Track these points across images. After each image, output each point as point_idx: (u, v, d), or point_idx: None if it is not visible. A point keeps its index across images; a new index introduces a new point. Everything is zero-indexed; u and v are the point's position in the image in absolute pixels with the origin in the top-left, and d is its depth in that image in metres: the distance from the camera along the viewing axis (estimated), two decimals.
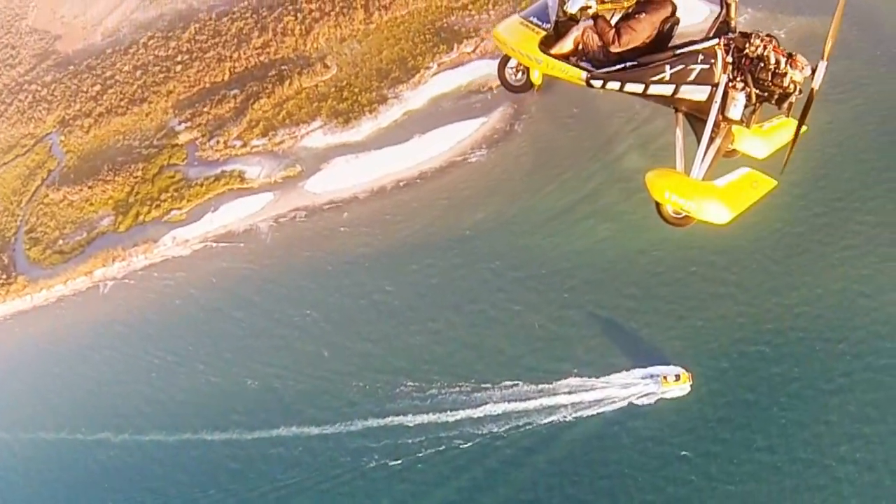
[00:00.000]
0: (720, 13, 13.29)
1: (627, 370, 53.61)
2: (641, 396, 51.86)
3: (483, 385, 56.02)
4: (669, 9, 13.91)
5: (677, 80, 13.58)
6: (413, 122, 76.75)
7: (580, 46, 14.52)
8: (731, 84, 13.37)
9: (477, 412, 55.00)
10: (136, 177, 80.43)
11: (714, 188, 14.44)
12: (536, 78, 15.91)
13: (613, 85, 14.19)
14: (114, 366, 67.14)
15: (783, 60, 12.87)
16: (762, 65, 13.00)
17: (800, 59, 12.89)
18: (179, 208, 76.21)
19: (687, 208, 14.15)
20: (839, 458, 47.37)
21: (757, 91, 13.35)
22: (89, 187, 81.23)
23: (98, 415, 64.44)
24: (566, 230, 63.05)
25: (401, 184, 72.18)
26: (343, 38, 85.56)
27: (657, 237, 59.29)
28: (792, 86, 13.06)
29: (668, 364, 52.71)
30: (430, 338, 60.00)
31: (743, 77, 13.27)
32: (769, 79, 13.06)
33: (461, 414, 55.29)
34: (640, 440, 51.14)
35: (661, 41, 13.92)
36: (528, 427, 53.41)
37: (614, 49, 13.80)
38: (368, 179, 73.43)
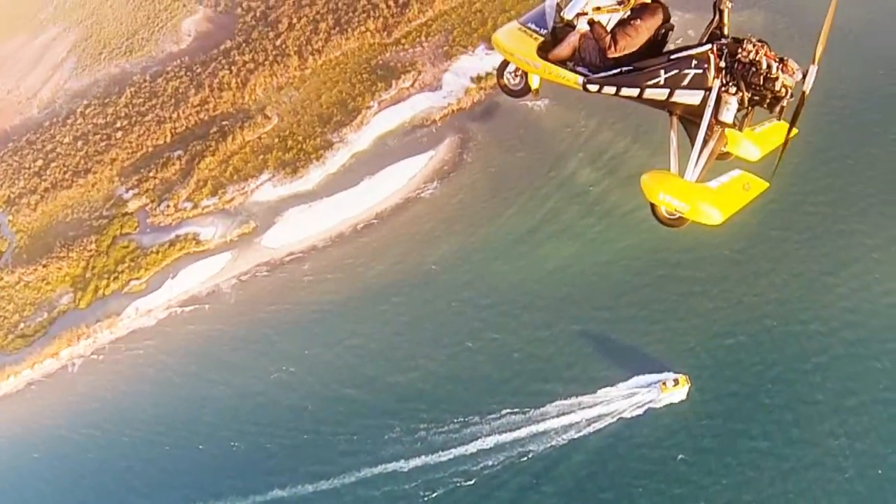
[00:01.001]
0: (713, 19, 13.71)
1: (612, 385, 53.71)
2: (641, 406, 52.09)
3: (472, 419, 55.46)
4: (664, 15, 14.31)
5: (672, 84, 13.81)
6: (361, 163, 76.59)
7: (577, 52, 14.85)
8: (724, 88, 13.69)
9: (470, 448, 54.37)
10: (90, 250, 78.30)
11: (707, 190, 14.70)
12: (535, 82, 16.21)
13: (609, 89, 14.39)
14: (96, 443, 64.38)
15: (775, 65, 13.18)
16: (754, 69, 13.28)
17: (791, 63, 13.25)
18: (138, 278, 74.35)
19: (681, 209, 14.27)
20: (830, 433, 48.57)
21: (749, 95, 13.73)
22: (44, 266, 78.89)
23: (86, 498, 61.65)
24: (531, 253, 63.41)
25: (359, 227, 71.75)
26: (280, 87, 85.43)
27: (620, 247, 60.37)
28: (783, 90, 13.33)
29: (651, 372, 53.18)
30: (412, 376, 59.38)
31: (736, 82, 13.60)
32: (761, 83, 13.35)
33: (454, 452, 54.55)
34: (636, 447, 51.42)
35: (656, 47, 14.28)
36: (524, 455, 53.09)
37: (611, 54, 14.06)
38: (325, 227, 72.80)
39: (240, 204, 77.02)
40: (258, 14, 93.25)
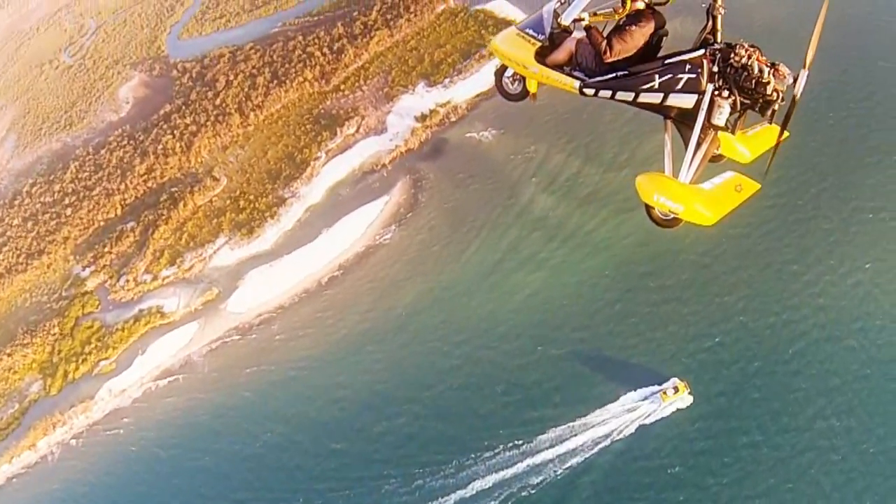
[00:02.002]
0: (706, 25, 14.17)
1: (602, 405, 53.52)
2: (644, 419, 52.16)
3: (466, 461, 54.57)
4: (658, 21, 14.75)
5: (666, 88, 14.25)
6: (317, 216, 75.81)
7: (574, 57, 15.20)
8: (716, 92, 14.13)
9: (469, 490, 53.47)
10: (53, 334, 75.43)
11: (701, 191, 15.12)
12: (533, 87, 16.48)
13: (605, 93, 14.83)
14: None
15: (766, 70, 13.64)
16: (746, 74, 13.74)
17: (782, 68, 13.72)
18: (107, 358, 71.60)
19: (675, 210, 14.64)
20: (818, 416, 49.75)
21: (741, 99, 14.17)
22: (8, 355, 75.54)
23: None
24: (500, 284, 63.23)
25: (323, 281, 70.65)
26: (225, 146, 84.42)
27: (587, 267, 61.02)
28: (775, 94, 13.76)
29: (639, 385, 53.45)
30: (399, 421, 58.34)
31: (728, 86, 14.05)
32: (753, 87, 13.79)
33: (454, 497, 53.56)
34: (633, 460, 51.45)
35: (651, 51, 14.70)
36: (525, 489, 52.58)
37: (606, 59, 14.46)
38: (290, 285, 71.48)
39: (200, 271, 75.39)
40: (194, 74, 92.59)
